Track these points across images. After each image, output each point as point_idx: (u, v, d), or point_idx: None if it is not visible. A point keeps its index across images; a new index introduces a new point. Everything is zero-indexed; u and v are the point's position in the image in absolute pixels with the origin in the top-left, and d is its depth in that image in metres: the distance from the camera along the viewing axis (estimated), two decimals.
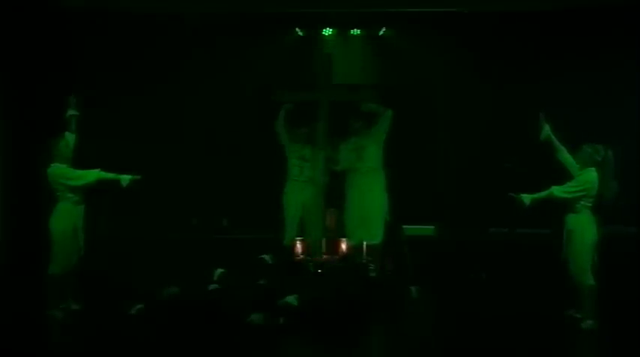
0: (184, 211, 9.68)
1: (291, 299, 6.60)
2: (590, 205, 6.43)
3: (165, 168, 9.55)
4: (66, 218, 6.74)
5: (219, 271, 7.36)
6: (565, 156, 6.65)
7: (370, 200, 7.99)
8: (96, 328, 6.60)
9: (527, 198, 6.50)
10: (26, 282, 7.72)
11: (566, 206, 6.54)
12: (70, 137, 6.90)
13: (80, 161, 6.92)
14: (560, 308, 6.79)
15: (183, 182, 9.66)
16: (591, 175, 6.42)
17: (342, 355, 6.00)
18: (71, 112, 6.97)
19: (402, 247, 8.23)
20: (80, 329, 6.68)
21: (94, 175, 6.73)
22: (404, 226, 8.96)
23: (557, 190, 6.43)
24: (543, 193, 6.47)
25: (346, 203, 8.14)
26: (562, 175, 6.66)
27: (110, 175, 6.79)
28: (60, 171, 6.71)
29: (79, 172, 6.77)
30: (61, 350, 6.22)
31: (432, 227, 9.33)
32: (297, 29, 10.10)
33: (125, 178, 6.80)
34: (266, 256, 7.44)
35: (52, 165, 6.74)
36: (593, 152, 6.45)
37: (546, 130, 6.72)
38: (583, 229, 6.41)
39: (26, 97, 9.14)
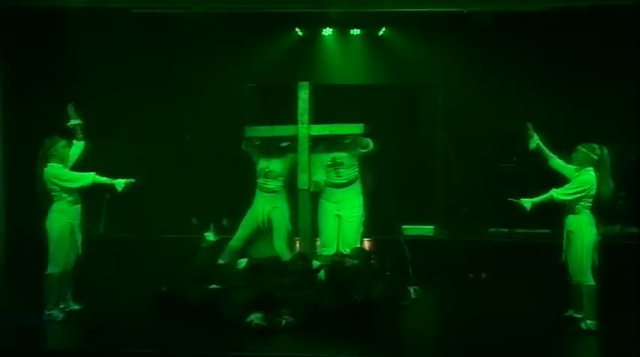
0: (184, 210, 9.67)
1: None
2: (589, 205, 6.43)
3: (165, 168, 9.55)
4: (62, 218, 6.72)
5: (243, 260, 7.36)
6: (557, 162, 6.67)
7: (347, 213, 7.85)
8: (96, 328, 6.61)
9: (527, 202, 6.51)
10: (26, 282, 7.72)
11: (565, 207, 6.55)
12: (78, 145, 6.89)
13: (80, 160, 6.93)
14: (560, 308, 6.79)
15: (183, 182, 9.65)
16: (589, 174, 6.42)
17: (342, 355, 6.00)
18: (74, 121, 6.94)
19: (402, 246, 8.22)
20: (80, 329, 6.69)
21: (89, 178, 6.70)
22: (404, 226, 8.97)
23: (556, 193, 6.43)
24: (543, 197, 6.47)
25: (321, 215, 7.92)
26: (562, 175, 6.67)
27: (105, 179, 6.77)
28: (55, 171, 6.69)
29: (75, 174, 6.74)
30: (61, 350, 6.23)
31: (432, 227, 9.32)
32: (297, 29, 10.09)
33: (120, 183, 6.78)
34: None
35: (49, 164, 6.73)
36: (589, 151, 6.46)
37: (535, 139, 6.75)
38: (583, 229, 6.40)
39: (25, 97, 9.14)
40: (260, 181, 7.88)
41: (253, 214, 7.90)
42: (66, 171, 6.73)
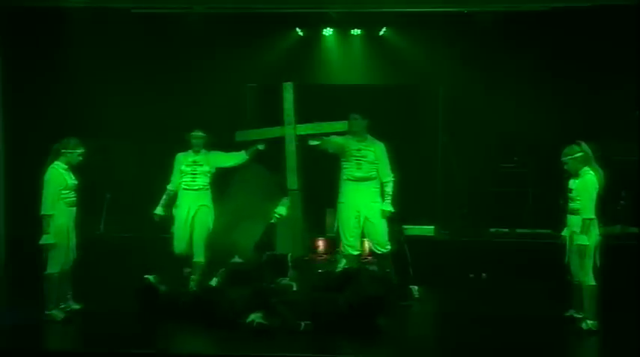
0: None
1: None
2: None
3: (166, 167, 9.54)
4: (60, 218, 6.73)
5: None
6: (579, 215, 6.47)
7: (370, 213, 7.79)
8: (96, 328, 6.61)
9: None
10: (26, 282, 7.72)
11: (566, 207, 6.56)
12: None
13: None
14: (560, 308, 6.78)
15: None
16: (589, 174, 6.43)
17: (343, 355, 6.00)
18: None
19: (402, 247, 8.22)
20: (80, 329, 6.69)
21: (46, 211, 6.63)
22: (404, 226, 8.96)
23: (589, 214, 6.36)
24: (584, 229, 6.36)
25: (341, 214, 7.88)
26: (562, 176, 6.67)
27: (47, 227, 6.67)
28: (51, 179, 6.70)
29: (49, 200, 6.66)
30: (61, 350, 6.23)
31: (432, 227, 9.32)
32: (297, 29, 10.09)
33: (47, 238, 6.68)
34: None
35: (56, 163, 6.75)
36: (574, 154, 6.47)
37: None
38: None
39: (26, 97, 9.14)
40: (187, 178, 7.81)
41: (178, 214, 7.79)
42: (53, 189, 6.70)
